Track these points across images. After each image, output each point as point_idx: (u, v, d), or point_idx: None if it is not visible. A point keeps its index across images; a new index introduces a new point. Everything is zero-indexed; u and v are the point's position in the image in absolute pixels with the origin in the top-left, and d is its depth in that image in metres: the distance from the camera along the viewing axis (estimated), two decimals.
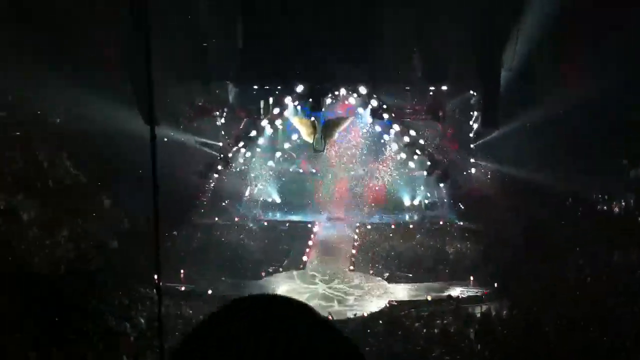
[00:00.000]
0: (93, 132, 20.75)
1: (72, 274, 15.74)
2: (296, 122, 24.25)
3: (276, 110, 25.02)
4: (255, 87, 25.06)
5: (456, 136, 26.33)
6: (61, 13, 19.47)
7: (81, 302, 14.25)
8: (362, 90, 24.01)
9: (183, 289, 18.61)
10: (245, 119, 26.10)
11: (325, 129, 22.92)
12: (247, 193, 27.55)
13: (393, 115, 24.57)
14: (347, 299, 19.23)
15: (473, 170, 26.07)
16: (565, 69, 21.64)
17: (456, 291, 19.01)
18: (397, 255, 22.08)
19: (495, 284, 19.01)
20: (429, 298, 18.51)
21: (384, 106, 24.23)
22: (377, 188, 26.84)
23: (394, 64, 23.36)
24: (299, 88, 23.58)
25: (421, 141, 25.24)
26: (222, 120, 26.74)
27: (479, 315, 16.78)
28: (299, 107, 25.13)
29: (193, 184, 24.63)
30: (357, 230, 24.78)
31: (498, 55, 21.65)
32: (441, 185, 25.54)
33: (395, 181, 27.12)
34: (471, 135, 25.64)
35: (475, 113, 24.97)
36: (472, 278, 19.88)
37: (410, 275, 20.79)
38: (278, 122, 26.11)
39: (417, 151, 25.27)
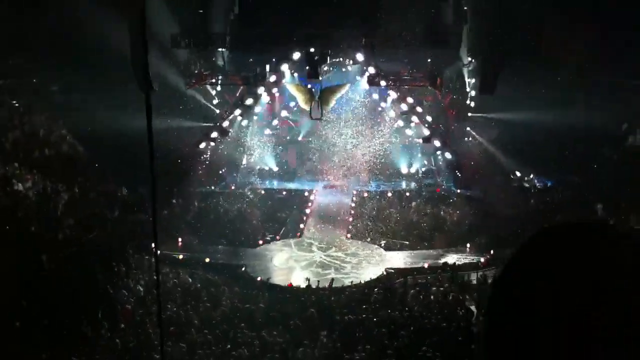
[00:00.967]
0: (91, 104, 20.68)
1: (70, 242, 15.79)
2: (293, 89, 24.00)
3: (273, 78, 24.78)
4: (252, 54, 24.72)
5: (454, 104, 26.12)
6: None
7: (80, 271, 14.33)
8: (359, 57, 23.73)
9: (181, 257, 18.67)
10: (241, 87, 25.85)
11: (323, 96, 22.70)
12: (244, 161, 27.47)
13: (390, 82, 24.35)
14: (344, 266, 19.36)
15: (470, 138, 25.96)
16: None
17: (453, 258, 19.11)
18: (394, 223, 22.16)
19: (492, 251, 19.09)
20: (426, 265, 18.61)
21: (381, 73, 23.98)
22: (374, 156, 26.76)
23: (392, 30, 22.96)
24: (296, 55, 23.29)
25: (419, 109, 25.07)
26: (218, 88, 26.49)
27: (474, 282, 16.92)
28: (295, 75, 24.90)
29: (190, 153, 24.50)
30: (354, 198, 24.81)
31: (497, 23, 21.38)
32: (438, 153, 25.48)
33: (392, 149, 27.06)
34: (468, 102, 25.45)
35: (473, 80, 24.73)
36: (468, 245, 20.01)
37: (407, 242, 20.92)
38: (275, 90, 25.90)
39: (414, 118, 25.14)
